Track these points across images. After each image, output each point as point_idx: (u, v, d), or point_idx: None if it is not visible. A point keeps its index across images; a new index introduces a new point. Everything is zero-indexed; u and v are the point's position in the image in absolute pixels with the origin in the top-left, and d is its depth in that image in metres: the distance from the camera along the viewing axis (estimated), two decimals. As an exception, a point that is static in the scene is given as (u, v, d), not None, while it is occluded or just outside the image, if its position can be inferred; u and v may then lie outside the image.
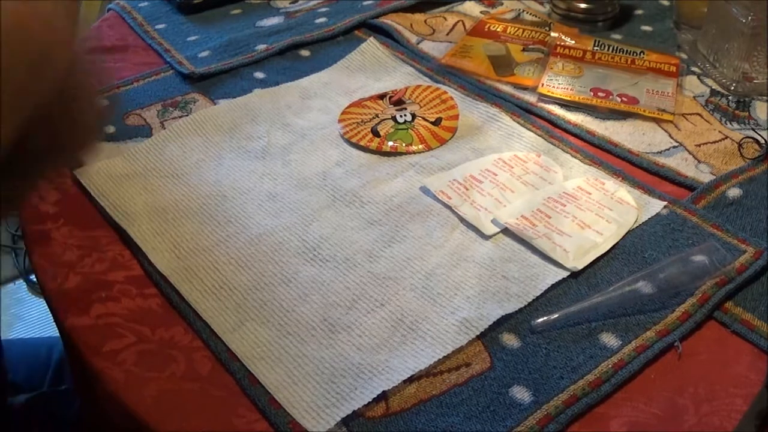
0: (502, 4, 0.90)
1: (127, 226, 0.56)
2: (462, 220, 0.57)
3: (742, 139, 0.65)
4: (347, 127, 0.67)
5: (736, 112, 0.70)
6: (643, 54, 0.77)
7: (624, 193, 0.59)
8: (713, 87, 0.73)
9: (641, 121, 0.69)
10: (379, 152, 0.65)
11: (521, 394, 0.45)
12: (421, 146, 0.65)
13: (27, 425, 0.66)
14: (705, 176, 0.62)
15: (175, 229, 0.56)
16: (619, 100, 0.71)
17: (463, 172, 0.61)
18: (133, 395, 0.45)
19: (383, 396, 0.44)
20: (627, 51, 0.78)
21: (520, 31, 0.82)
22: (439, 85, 0.73)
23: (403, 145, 0.65)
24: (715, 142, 0.66)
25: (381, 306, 0.50)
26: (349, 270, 0.53)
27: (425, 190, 0.60)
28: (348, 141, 0.66)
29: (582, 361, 0.46)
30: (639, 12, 0.88)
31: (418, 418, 0.43)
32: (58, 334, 0.55)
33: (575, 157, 0.63)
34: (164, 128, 0.67)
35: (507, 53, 0.78)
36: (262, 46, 0.80)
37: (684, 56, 0.78)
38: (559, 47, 0.79)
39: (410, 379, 0.45)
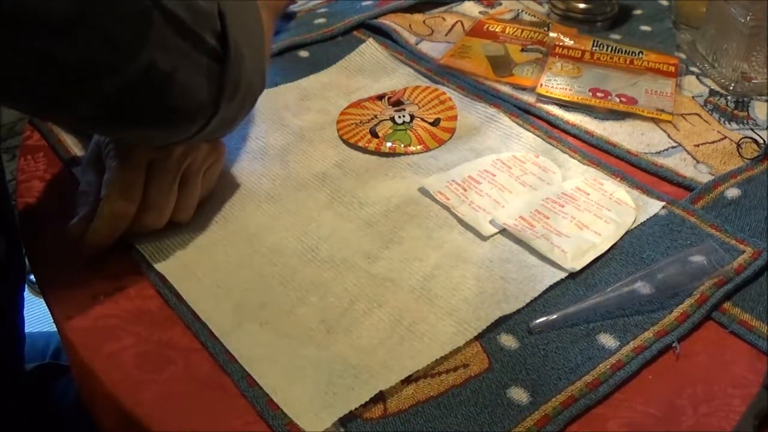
0: (500, 4, 0.90)
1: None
2: (460, 221, 0.57)
3: (741, 139, 0.65)
4: (345, 128, 0.67)
5: (735, 112, 0.70)
6: (642, 54, 0.77)
7: (622, 193, 0.59)
8: (712, 87, 0.73)
9: (640, 121, 0.68)
10: (378, 153, 0.65)
11: (519, 395, 0.45)
12: (419, 147, 0.65)
13: (28, 400, 0.67)
14: (704, 176, 0.61)
15: (173, 229, 0.56)
16: (617, 100, 0.71)
17: (461, 173, 0.61)
18: (132, 396, 0.45)
19: (381, 397, 0.44)
20: (626, 51, 0.78)
21: (519, 31, 0.82)
22: (437, 86, 0.73)
23: (402, 146, 0.65)
24: (713, 142, 0.66)
25: (379, 307, 0.50)
26: (347, 271, 0.53)
27: (423, 191, 0.60)
28: (346, 142, 0.66)
29: (580, 362, 0.46)
30: (638, 12, 0.88)
31: (416, 419, 0.43)
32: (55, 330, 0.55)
33: (574, 158, 0.63)
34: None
35: (506, 53, 0.78)
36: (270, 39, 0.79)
37: (683, 56, 0.78)
38: (557, 47, 0.79)
39: (408, 380, 0.45)
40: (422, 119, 0.68)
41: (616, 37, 0.83)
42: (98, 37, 0.40)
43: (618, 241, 0.55)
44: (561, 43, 0.80)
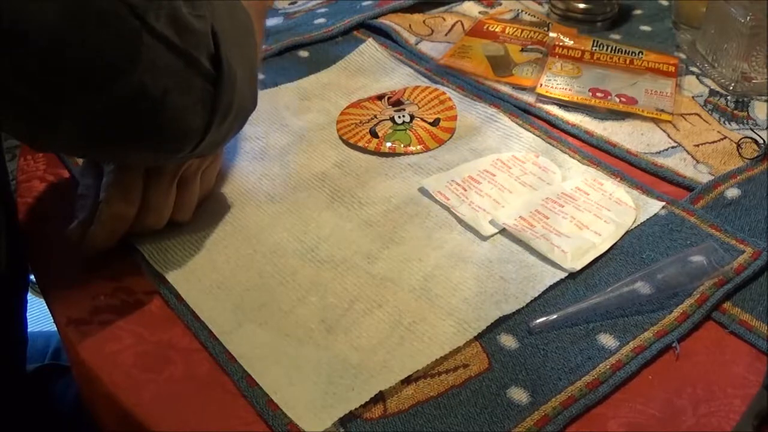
0: (500, 4, 0.90)
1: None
2: (460, 221, 0.57)
3: (741, 139, 0.65)
4: (345, 128, 0.67)
5: (735, 112, 0.70)
6: (642, 54, 0.77)
7: (622, 193, 0.59)
8: (712, 87, 0.73)
9: (640, 121, 0.68)
10: (378, 153, 0.65)
11: (519, 395, 0.45)
12: (419, 147, 0.65)
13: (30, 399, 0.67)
14: (703, 176, 0.61)
15: (173, 229, 0.56)
16: (617, 100, 0.71)
17: (461, 173, 0.61)
18: (132, 397, 0.45)
19: (381, 397, 0.44)
20: (626, 51, 0.78)
21: (519, 31, 0.82)
22: (437, 86, 0.73)
23: (402, 146, 0.65)
24: (713, 142, 0.66)
25: (379, 307, 0.50)
26: (347, 271, 0.53)
27: (423, 191, 0.60)
28: (346, 142, 0.66)
29: (580, 362, 0.46)
30: (638, 12, 0.88)
31: (415, 419, 0.43)
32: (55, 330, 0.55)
33: (574, 158, 0.63)
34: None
35: (506, 53, 0.78)
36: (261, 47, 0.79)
37: (683, 56, 0.78)
38: (557, 47, 0.79)
39: (408, 381, 0.46)
40: (422, 119, 0.68)
41: (616, 37, 0.83)
42: (83, 55, 0.39)
43: (618, 241, 0.55)
44: (561, 43, 0.80)
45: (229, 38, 0.47)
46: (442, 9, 0.88)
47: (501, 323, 0.49)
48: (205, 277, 0.52)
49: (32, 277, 0.59)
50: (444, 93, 0.71)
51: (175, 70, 0.43)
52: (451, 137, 0.67)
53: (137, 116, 0.44)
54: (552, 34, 0.81)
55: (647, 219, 0.57)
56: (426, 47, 0.80)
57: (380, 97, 0.71)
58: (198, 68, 0.44)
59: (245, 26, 0.53)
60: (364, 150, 0.65)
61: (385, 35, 0.82)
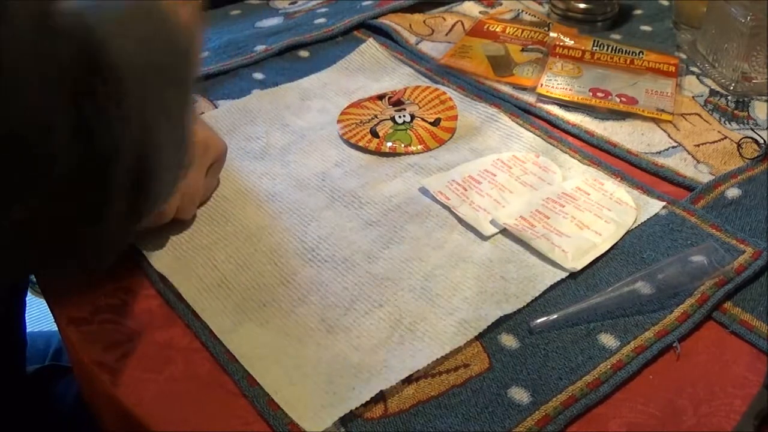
0: (501, 4, 0.90)
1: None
2: (460, 220, 0.57)
3: (741, 139, 0.65)
4: (346, 127, 0.67)
5: (735, 112, 0.70)
6: (642, 54, 0.77)
7: (623, 193, 0.59)
8: (712, 87, 0.73)
9: (640, 121, 0.68)
10: (378, 153, 0.65)
11: (520, 394, 0.45)
12: (419, 147, 0.65)
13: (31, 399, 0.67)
14: (704, 176, 0.61)
15: (174, 228, 0.56)
16: (618, 100, 0.71)
17: (461, 173, 0.61)
18: (132, 396, 0.45)
19: (382, 397, 0.44)
20: (626, 51, 0.78)
21: (519, 31, 0.82)
22: (438, 86, 0.73)
23: (402, 145, 0.65)
24: (714, 142, 0.66)
25: (379, 306, 0.50)
26: (347, 270, 0.53)
27: (424, 191, 0.60)
28: (347, 141, 0.66)
29: (581, 362, 0.46)
30: (638, 12, 0.88)
31: (416, 419, 0.43)
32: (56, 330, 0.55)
33: (574, 158, 0.63)
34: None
35: (506, 53, 0.78)
36: (261, 47, 0.80)
37: (683, 56, 0.78)
38: (558, 47, 0.79)
39: (408, 380, 0.45)
40: (423, 119, 0.68)
41: (617, 37, 0.83)
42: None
43: (618, 241, 0.55)
44: (561, 43, 0.80)
45: (154, 106, 0.38)
46: (442, 9, 0.88)
47: (502, 323, 0.49)
48: (205, 277, 0.52)
49: (32, 277, 0.59)
50: (444, 93, 0.71)
51: (84, 193, 0.35)
52: (451, 137, 0.67)
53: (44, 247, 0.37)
54: (552, 34, 0.81)
55: (648, 219, 0.57)
56: (426, 47, 0.80)
57: (381, 97, 0.71)
58: (112, 192, 0.36)
59: (175, 65, 0.41)
60: (364, 150, 0.65)
61: (385, 35, 0.82)
